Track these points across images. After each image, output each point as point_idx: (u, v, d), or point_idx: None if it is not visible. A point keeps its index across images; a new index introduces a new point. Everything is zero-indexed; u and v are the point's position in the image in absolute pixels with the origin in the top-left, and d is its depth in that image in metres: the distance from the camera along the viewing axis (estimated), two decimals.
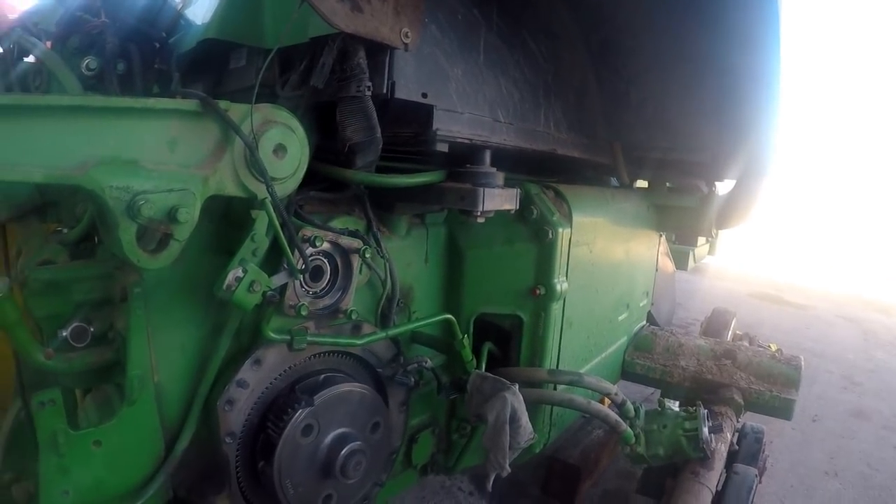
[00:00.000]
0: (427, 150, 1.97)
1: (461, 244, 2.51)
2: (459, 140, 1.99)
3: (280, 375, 1.95)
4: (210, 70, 2.26)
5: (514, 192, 2.20)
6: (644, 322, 3.87)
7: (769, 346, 4.24)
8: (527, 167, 2.80)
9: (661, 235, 3.90)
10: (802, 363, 3.25)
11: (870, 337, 8.40)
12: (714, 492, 2.66)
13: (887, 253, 17.52)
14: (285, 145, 1.59)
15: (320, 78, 1.68)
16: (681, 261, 5.45)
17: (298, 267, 1.73)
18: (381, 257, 2.11)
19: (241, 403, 1.83)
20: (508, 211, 2.20)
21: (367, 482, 2.16)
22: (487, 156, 2.14)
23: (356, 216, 2.10)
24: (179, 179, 1.42)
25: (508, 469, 2.09)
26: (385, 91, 1.73)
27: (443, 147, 1.94)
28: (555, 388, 2.53)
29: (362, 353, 2.18)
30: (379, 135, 1.77)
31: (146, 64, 2.32)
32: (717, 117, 2.72)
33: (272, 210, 1.58)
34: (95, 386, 1.78)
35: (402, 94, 1.76)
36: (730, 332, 4.60)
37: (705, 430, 2.67)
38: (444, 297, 2.57)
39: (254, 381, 1.85)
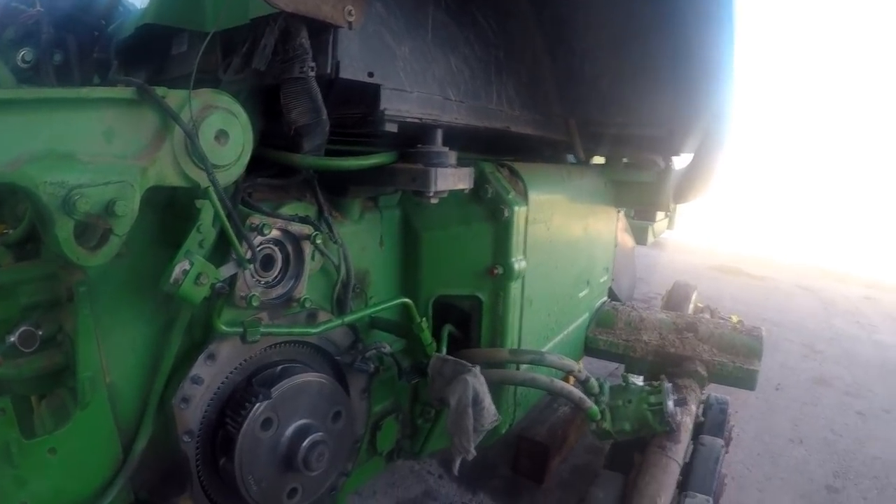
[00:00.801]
0: (377, 132, 1.95)
1: (416, 226, 2.49)
2: (409, 120, 1.96)
3: (236, 369, 1.92)
4: (152, 57, 2.20)
5: (467, 171, 2.18)
6: (605, 298, 3.90)
7: (730, 318, 4.31)
8: (482, 147, 2.80)
9: (619, 211, 3.94)
10: (764, 334, 3.32)
11: (828, 306, 8.63)
12: (681, 464, 2.71)
13: (843, 222, 17.95)
14: (227, 131, 1.55)
15: (262, 60, 1.65)
16: (640, 236, 5.52)
17: (247, 256, 1.70)
18: (334, 242, 2.09)
19: (196, 400, 1.81)
20: (462, 190, 2.19)
21: (332, 473, 2.15)
22: (439, 135, 2.12)
23: (307, 202, 2.07)
24: (117, 171, 1.37)
25: (474, 452, 2.09)
26: (329, 71, 1.69)
27: (392, 127, 1.92)
28: (517, 368, 2.54)
29: (319, 342, 2.16)
30: (325, 117, 1.74)
31: (85, 54, 2.26)
32: (673, 91, 2.74)
33: (216, 199, 1.55)
34: (49, 391, 1.73)
35: (347, 73, 1.73)
36: (691, 305, 4.66)
37: (670, 403, 2.70)
38: (402, 281, 2.56)
39: (208, 376, 1.82)
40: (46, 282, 1.62)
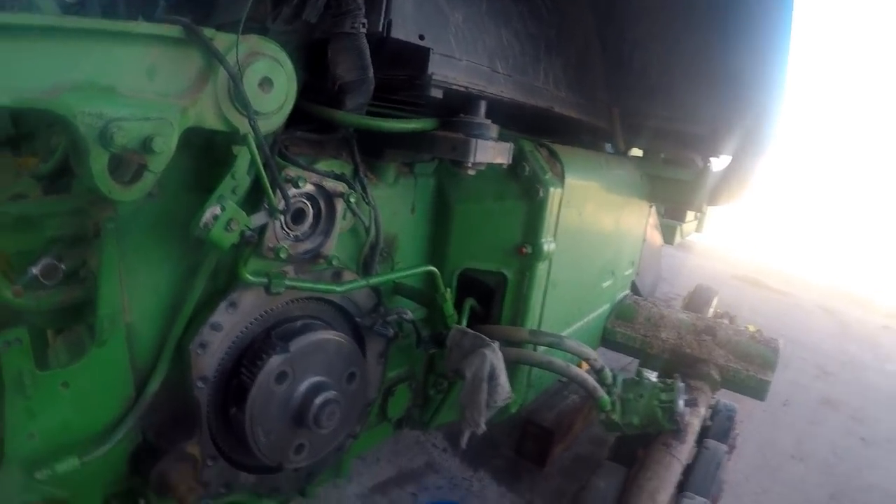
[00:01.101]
0: (421, 97, 1.89)
1: (450, 197, 2.44)
2: (455, 87, 1.90)
3: (256, 320, 1.89)
4: (199, 2, 2.15)
5: (507, 146, 2.12)
6: (627, 291, 3.83)
7: (747, 328, 4.19)
8: (522, 126, 2.73)
9: (651, 206, 3.85)
10: (781, 346, 3.24)
11: (846, 329, 8.46)
12: (684, 464, 2.66)
13: (870, 247, 17.55)
14: (272, 79, 1.50)
15: (314, 12, 1.60)
16: (668, 235, 5.40)
17: (279, 207, 1.66)
18: (367, 204, 2.04)
19: (214, 347, 1.78)
20: (500, 165, 2.13)
21: (341, 433, 2.13)
22: (482, 107, 2.05)
23: (343, 160, 2.02)
24: (157, 108, 1.33)
25: (484, 427, 2.05)
26: (381, 29, 1.64)
27: (437, 93, 1.86)
28: (535, 349, 2.49)
29: (342, 302, 2.12)
30: (371, 75, 1.69)
31: None
32: (721, 89, 2.66)
33: (254, 146, 1.50)
34: (67, 326, 1.71)
35: (398, 33, 1.67)
36: (711, 310, 4.58)
37: (681, 402, 2.63)
38: (429, 250, 2.52)
39: (228, 324, 1.79)
40: (74, 216, 1.58)
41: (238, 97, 1.44)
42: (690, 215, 5.26)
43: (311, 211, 1.88)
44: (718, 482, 2.76)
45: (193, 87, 1.41)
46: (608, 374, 2.62)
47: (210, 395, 1.85)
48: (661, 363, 3.31)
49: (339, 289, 1.96)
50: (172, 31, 1.36)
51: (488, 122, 2.04)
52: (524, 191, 2.34)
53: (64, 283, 1.58)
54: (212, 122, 1.45)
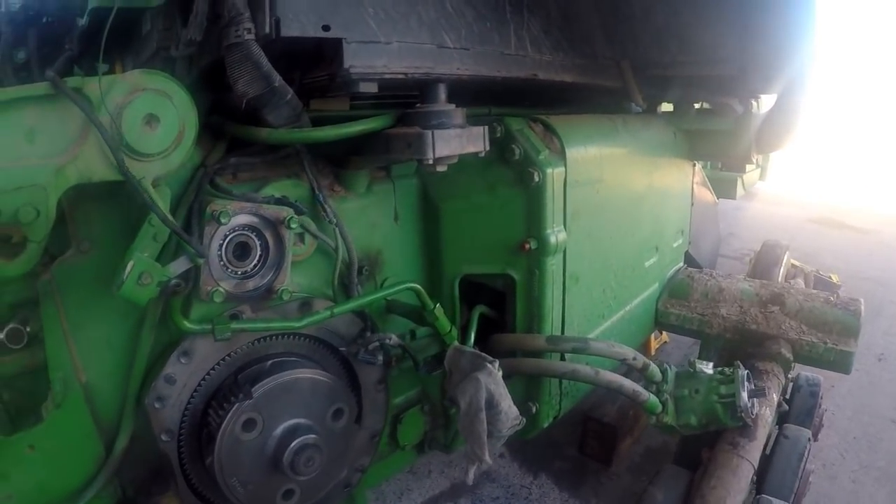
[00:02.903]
0: (349, 93, 1.73)
1: (435, 196, 2.29)
2: (388, 76, 1.72)
3: (219, 364, 1.84)
4: (127, 42, 2.08)
5: (480, 131, 1.91)
6: (680, 264, 3.59)
7: (830, 277, 3.86)
8: (525, 102, 2.55)
9: (694, 165, 3.57)
10: (862, 308, 2.93)
11: None
12: (756, 464, 2.43)
13: None
14: (157, 114, 1.42)
15: (197, 28, 1.49)
16: (728, 189, 5.12)
17: (200, 248, 1.57)
18: (329, 222, 1.93)
19: (172, 399, 1.77)
20: (476, 154, 1.92)
21: (335, 472, 2.06)
22: (442, 91, 1.88)
23: (303, 179, 1.93)
24: (30, 175, 1.31)
25: (489, 461, 1.89)
26: (269, 30, 1.47)
27: (369, 87, 1.69)
28: (562, 357, 2.32)
29: (319, 333, 2.03)
30: (278, 83, 1.56)
31: (56, 47, 2.19)
32: (742, 22, 2.42)
33: (142, 192, 1.41)
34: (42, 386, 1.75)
35: (291, 30, 1.49)
36: (782, 268, 4.21)
37: (744, 395, 2.39)
38: (424, 259, 2.39)
39: (184, 374, 1.77)
40: (29, 280, 1.59)
41: (107, 142, 1.37)
42: (751, 164, 4.93)
43: (256, 244, 1.78)
44: (804, 476, 2.51)
45: (77, 141, 1.38)
46: (655, 370, 2.42)
47: (181, 446, 1.84)
48: (723, 344, 3.06)
49: (297, 324, 1.85)
50: (40, 88, 1.33)
51: (451, 107, 1.87)
52: (517, 177, 2.14)
53: (29, 345, 1.65)
54: (102, 173, 1.41)
